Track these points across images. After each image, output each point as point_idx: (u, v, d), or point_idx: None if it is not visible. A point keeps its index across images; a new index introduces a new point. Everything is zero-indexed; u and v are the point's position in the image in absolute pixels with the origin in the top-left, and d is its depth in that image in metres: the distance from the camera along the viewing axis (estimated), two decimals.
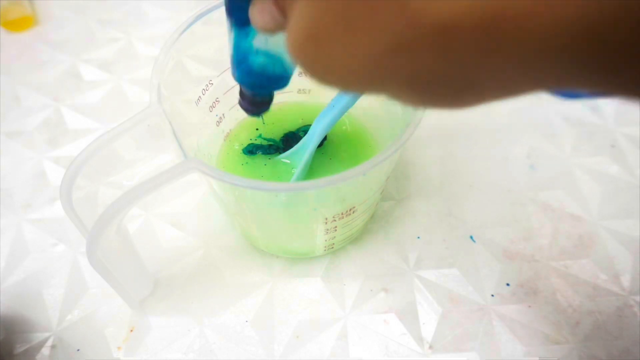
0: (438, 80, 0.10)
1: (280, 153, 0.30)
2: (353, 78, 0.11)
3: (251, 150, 0.31)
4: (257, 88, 0.22)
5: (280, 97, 0.33)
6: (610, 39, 0.08)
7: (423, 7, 0.09)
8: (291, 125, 0.32)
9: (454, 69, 0.10)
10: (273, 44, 0.20)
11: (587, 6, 0.08)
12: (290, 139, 0.31)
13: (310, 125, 0.28)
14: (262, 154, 0.31)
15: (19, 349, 0.28)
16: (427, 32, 0.09)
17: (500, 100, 0.11)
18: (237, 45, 0.20)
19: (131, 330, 0.28)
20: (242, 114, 0.33)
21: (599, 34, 0.08)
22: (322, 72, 0.12)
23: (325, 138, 0.31)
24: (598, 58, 0.08)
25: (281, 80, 0.22)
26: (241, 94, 0.24)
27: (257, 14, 0.15)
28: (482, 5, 0.08)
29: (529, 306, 0.29)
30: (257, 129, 0.32)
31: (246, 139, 0.32)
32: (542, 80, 0.10)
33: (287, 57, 0.20)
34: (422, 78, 0.10)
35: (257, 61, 0.20)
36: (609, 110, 0.38)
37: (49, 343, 0.28)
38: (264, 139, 0.32)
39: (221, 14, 0.26)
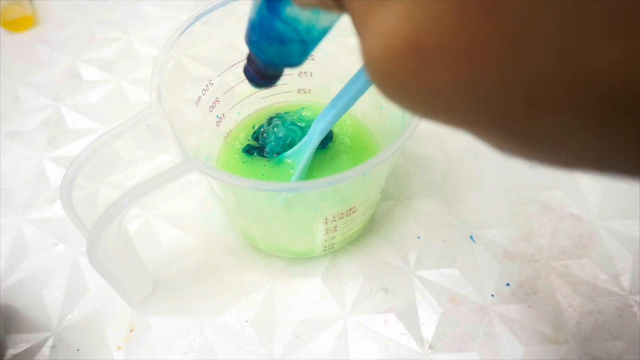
0: (567, 146, 0.08)
1: (273, 155, 0.30)
2: (448, 113, 0.09)
3: (248, 150, 0.31)
4: (272, 60, 0.20)
5: (279, 97, 0.33)
6: None
7: (603, 63, 0.07)
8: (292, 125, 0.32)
9: (601, 142, 0.08)
10: (305, 15, 0.18)
11: None
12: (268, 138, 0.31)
13: (307, 123, 0.28)
14: (257, 155, 0.31)
15: (19, 349, 0.28)
16: (593, 95, 0.07)
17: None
18: (263, 6, 0.18)
19: (131, 330, 0.28)
20: (242, 114, 0.33)
21: None
22: (406, 95, 0.09)
23: (330, 139, 0.31)
24: None
25: (300, 57, 0.20)
26: (249, 60, 0.21)
27: None
28: None
29: (529, 306, 0.29)
30: (253, 127, 0.32)
31: (245, 138, 0.32)
32: None
33: (315, 33, 0.18)
34: (546, 139, 0.08)
35: (281, 30, 0.18)
36: None
37: (49, 343, 0.28)
38: (255, 140, 0.32)
39: (221, 14, 0.26)
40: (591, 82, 0.07)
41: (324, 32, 0.19)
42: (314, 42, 0.19)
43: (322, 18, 0.18)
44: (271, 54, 0.20)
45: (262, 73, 0.21)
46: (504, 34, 0.07)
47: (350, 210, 0.25)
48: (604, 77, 0.07)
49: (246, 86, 0.30)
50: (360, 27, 0.10)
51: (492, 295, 0.29)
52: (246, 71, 0.22)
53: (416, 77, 0.09)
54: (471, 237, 0.32)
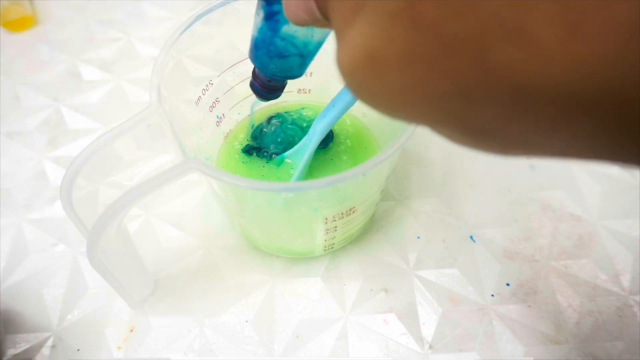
0: (496, 133, 0.10)
1: (271, 157, 0.30)
2: (403, 110, 0.11)
3: (248, 150, 0.31)
4: (274, 73, 0.22)
5: (280, 97, 0.33)
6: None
7: (503, 62, 0.08)
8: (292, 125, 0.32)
9: (518, 128, 0.09)
10: (301, 32, 0.20)
11: None
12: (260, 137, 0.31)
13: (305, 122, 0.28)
14: (256, 155, 0.31)
15: (19, 349, 0.28)
16: (502, 89, 0.08)
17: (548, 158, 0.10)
18: (264, 26, 0.20)
19: (131, 330, 0.28)
20: (242, 114, 0.33)
21: None
22: (370, 96, 0.11)
23: (331, 139, 0.31)
24: None
25: (299, 69, 0.22)
26: (254, 76, 0.23)
27: (292, 6, 0.14)
28: (577, 72, 0.07)
29: (529, 306, 0.29)
30: (252, 126, 0.32)
31: (245, 139, 0.32)
32: (617, 155, 0.09)
33: (311, 47, 0.21)
34: (479, 127, 0.10)
35: (281, 46, 0.20)
36: None
37: (49, 343, 0.28)
38: (254, 139, 0.32)
39: (221, 14, 0.26)
40: (500, 79, 0.08)
41: (319, 45, 0.21)
42: (311, 55, 0.21)
43: (317, 33, 0.20)
44: (272, 67, 0.22)
45: (266, 86, 0.23)
46: (428, 42, 0.09)
47: (350, 210, 0.25)
48: (508, 74, 0.08)
49: (246, 86, 0.30)
50: (337, 40, 0.12)
51: (492, 295, 0.29)
52: (252, 86, 0.24)
53: (372, 81, 0.11)
54: (471, 237, 0.32)
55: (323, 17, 0.14)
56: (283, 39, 0.20)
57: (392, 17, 0.09)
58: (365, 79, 0.11)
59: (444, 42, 0.09)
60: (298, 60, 0.21)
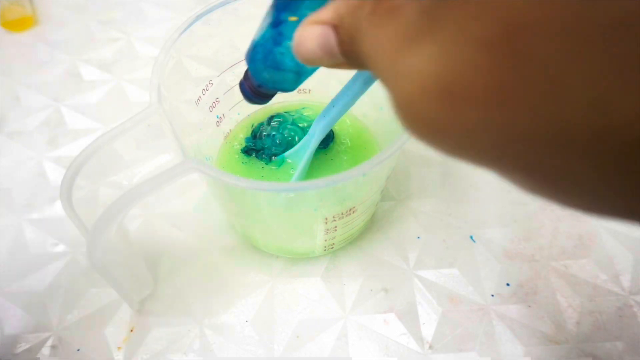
0: (589, 188, 0.08)
1: (270, 158, 0.30)
2: (475, 153, 0.09)
3: (247, 151, 0.31)
4: (266, 82, 0.22)
5: (280, 97, 0.33)
6: None
7: (625, 116, 0.07)
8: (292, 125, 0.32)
9: (619, 187, 0.08)
10: None
11: None
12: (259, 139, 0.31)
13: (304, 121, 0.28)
14: (255, 157, 0.31)
15: (19, 348, 0.28)
16: (615, 142, 0.07)
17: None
18: (267, 33, 0.19)
19: (131, 330, 0.28)
20: (242, 114, 0.33)
21: None
22: (437, 135, 0.10)
23: (332, 139, 0.31)
24: None
25: (292, 84, 0.21)
26: (246, 77, 0.23)
27: (307, 39, 0.13)
28: None
29: (529, 306, 0.29)
30: (252, 125, 0.32)
31: (245, 139, 0.32)
32: None
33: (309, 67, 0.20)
34: (571, 181, 0.08)
35: (279, 59, 0.20)
36: None
37: (49, 343, 0.28)
38: (254, 138, 0.32)
39: (221, 14, 0.26)
40: (620, 132, 0.07)
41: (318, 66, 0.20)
42: (307, 74, 0.21)
43: None
44: (265, 76, 0.21)
45: (255, 91, 0.23)
46: (534, 83, 0.08)
47: (350, 210, 0.25)
48: (631, 128, 0.07)
49: None
50: (387, 76, 0.10)
51: (492, 295, 0.29)
52: (242, 86, 0.24)
53: (448, 117, 0.09)
54: (471, 237, 0.32)
55: (342, 54, 0.12)
56: (282, 53, 0.19)
57: (482, 45, 0.08)
58: (437, 114, 0.09)
59: (552, 84, 0.07)
60: (293, 77, 0.21)
